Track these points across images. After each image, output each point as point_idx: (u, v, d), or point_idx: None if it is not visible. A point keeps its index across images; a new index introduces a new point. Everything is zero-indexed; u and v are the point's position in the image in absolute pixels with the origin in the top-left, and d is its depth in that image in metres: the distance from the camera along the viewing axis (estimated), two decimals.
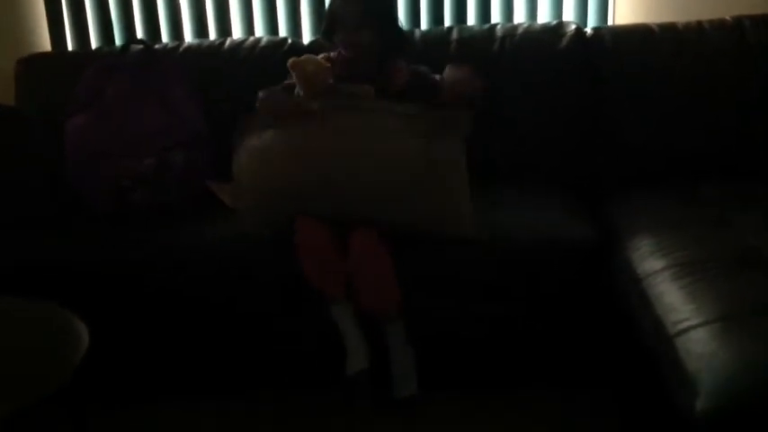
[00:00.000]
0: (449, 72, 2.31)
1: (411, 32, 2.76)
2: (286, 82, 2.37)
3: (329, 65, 2.29)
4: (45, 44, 3.05)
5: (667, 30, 2.61)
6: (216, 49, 2.82)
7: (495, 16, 2.95)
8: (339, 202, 2.18)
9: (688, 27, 2.61)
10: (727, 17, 2.62)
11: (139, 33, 3.02)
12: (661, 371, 1.70)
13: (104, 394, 2.21)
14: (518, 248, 2.18)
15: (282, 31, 3.02)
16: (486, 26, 2.78)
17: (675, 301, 1.75)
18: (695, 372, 1.52)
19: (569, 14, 2.93)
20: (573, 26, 2.68)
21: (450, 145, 2.17)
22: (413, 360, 2.16)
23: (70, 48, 3.04)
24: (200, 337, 2.31)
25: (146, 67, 2.62)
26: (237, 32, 3.03)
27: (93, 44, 3.05)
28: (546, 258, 2.18)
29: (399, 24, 2.50)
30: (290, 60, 2.27)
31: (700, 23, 2.61)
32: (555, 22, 2.74)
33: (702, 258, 1.87)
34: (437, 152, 2.15)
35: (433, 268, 2.20)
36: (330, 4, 2.47)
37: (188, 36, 3.04)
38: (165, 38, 3.03)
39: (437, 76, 2.33)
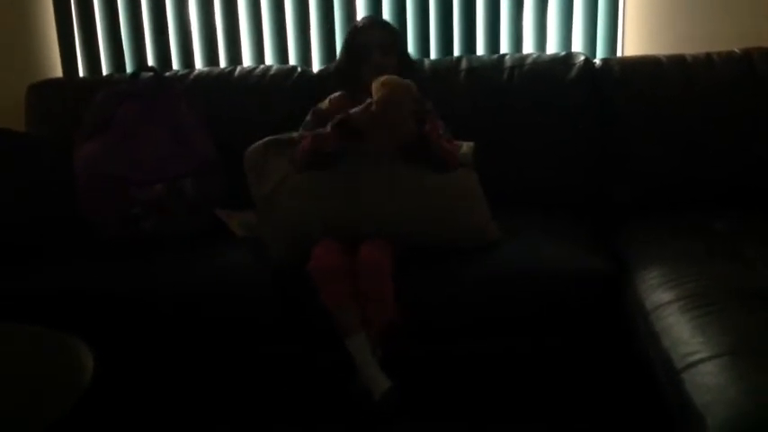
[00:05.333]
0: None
1: (420, 62, 2.78)
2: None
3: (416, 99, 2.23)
4: (57, 70, 3.08)
5: (676, 61, 2.62)
6: (226, 76, 2.84)
7: (504, 47, 2.96)
8: (368, 227, 2.22)
9: (696, 59, 2.62)
10: (736, 49, 2.63)
11: (150, 61, 3.05)
12: (669, 405, 1.68)
13: (112, 425, 2.20)
14: (528, 280, 2.17)
15: (292, 60, 3.04)
16: (495, 56, 2.79)
17: (684, 334, 1.73)
18: (703, 406, 1.51)
19: (578, 46, 2.94)
20: (582, 57, 2.68)
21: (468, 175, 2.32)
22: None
23: (81, 74, 3.07)
24: (209, 366, 2.30)
25: (156, 93, 2.63)
26: (248, 60, 3.05)
27: (105, 71, 3.07)
28: (556, 290, 2.16)
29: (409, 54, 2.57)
30: (385, 78, 2.17)
31: (708, 55, 2.62)
32: (564, 53, 2.75)
33: (712, 291, 1.86)
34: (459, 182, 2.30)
35: (437, 297, 2.19)
36: (349, 37, 2.50)
37: (198, 64, 3.07)
38: (175, 65, 3.06)
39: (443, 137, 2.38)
